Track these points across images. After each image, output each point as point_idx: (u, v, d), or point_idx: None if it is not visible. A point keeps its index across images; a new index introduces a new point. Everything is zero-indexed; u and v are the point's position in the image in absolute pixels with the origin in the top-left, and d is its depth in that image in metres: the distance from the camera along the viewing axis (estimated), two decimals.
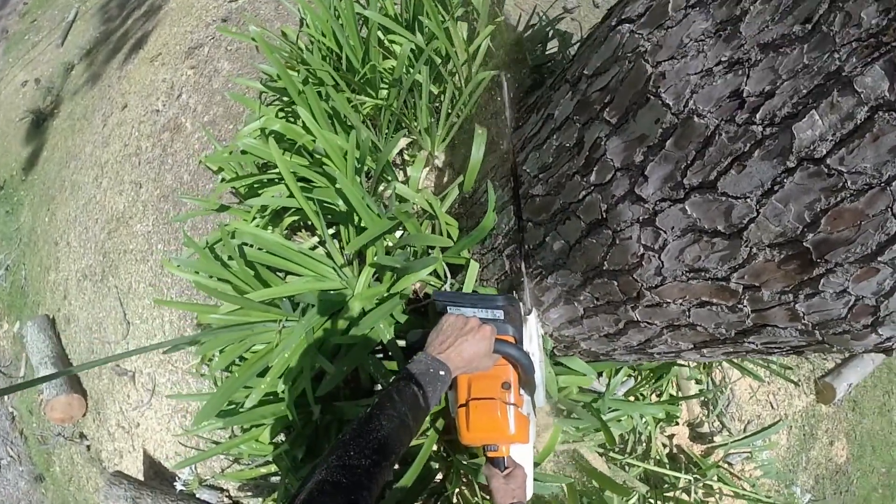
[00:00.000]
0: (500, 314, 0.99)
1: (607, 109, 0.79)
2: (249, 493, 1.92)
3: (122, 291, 2.44)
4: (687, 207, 0.71)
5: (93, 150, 3.09)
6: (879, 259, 0.60)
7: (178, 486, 1.91)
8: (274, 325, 1.37)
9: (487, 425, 0.96)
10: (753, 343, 0.87)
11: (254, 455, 1.45)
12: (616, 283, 0.89)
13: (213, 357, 1.48)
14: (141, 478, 2.21)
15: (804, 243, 0.64)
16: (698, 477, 2.07)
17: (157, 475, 2.20)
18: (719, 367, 2.39)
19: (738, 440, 2.27)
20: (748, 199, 0.65)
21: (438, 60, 1.70)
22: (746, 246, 0.68)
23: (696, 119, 0.65)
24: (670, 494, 2.05)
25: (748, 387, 2.54)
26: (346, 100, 1.58)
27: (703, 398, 2.29)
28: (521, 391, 1.02)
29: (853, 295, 0.66)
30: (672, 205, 0.72)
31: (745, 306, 0.77)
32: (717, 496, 2.20)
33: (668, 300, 0.84)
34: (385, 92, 1.73)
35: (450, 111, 1.63)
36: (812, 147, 0.56)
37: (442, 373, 0.83)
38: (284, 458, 1.37)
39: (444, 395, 1.22)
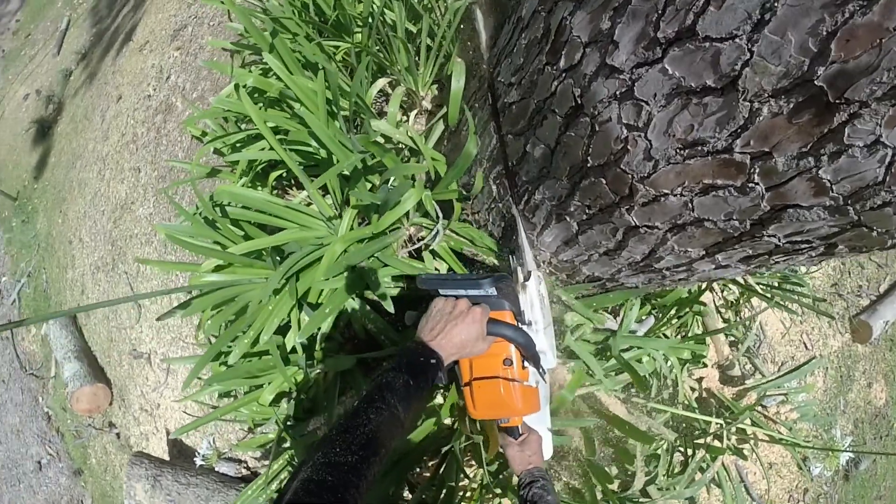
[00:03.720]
0: (492, 291, 0.93)
1: None
2: (266, 464, 1.91)
3: (132, 276, 2.45)
4: (667, 66, 0.60)
5: (94, 146, 3.11)
6: None
7: (198, 461, 1.92)
8: (262, 282, 1.32)
9: (493, 404, 0.94)
10: (775, 237, 0.76)
11: (257, 419, 1.42)
12: (604, 181, 0.80)
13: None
14: (167, 458, 2.24)
15: (815, 82, 0.52)
16: (730, 421, 1.96)
17: (180, 454, 2.23)
18: (748, 305, 2.25)
19: (772, 380, 2.13)
20: (737, 39, 0.54)
21: None
22: (745, 99, 0.58)
23: None
24: (701, 441, 1.94)
25: (780, 325, 2.39)
26: (318, 45, 1.50)
27: (730, 337, 2.16)
28: (525, 363, 0.97)
29: (890, 146, 0.54)
30: (650, 68, 0.62)
31: (758, 183, 0.66)
32: (753, 442, 2.09)
33: (665, 190, 0.74)
34: (360, 36, 1.63)
35: (430, 45, 1.53)
36: None
37: (433, 361, 0.80)
38: (285, 422, 1.33)
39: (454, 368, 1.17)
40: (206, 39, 2.53)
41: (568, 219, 0.96)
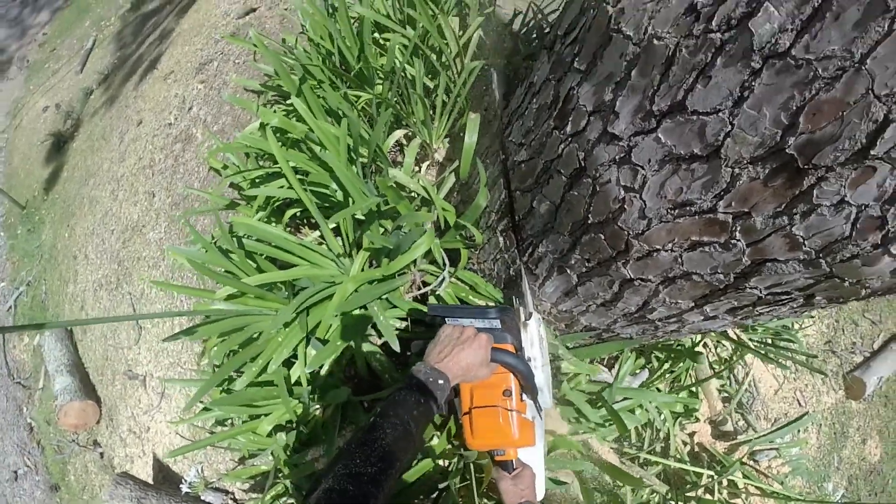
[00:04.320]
0: (497, 323, 1.01)
1: (577, 59, 0.79)
2: (255, 496, 1.89)
3: (135, 297, 2.48)
4: (660, 135, 0.69)
5: (110, 167, 3.20)
6: (872, 153, 0.54)
7: (184, 488, 1.89)
8: (272, 314, 1.37)
9: (491, 432, 0.98)
10: (756, 289, 0.82)
11: (252, 449, 1.43)
12: (603, 237, 0.87)
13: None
14: (150, 482, 2.21)
15: (787, 150, 0.60)
16: (721, 472, 1.97)
17: (165, 479, 2.19)
18: (741, 363, 2.29)
19: (763, 435, 2.15)
20: (720, 113, 0.62)
21: (433, 56, 1.72)
22: (727, 166, 0.65)
23: (655, 42, 0.64)
24: (692, 494, 1.94)
25: (773, 382, 2.43)
26: (343, 94, 1.61)
27: (723, 393, 2.19)
28: (524, 396, 1.02)
29: (854, 204, 0.60)
30: (645, 136, 0.70)
31: (739, 240, 0.73)
32: (744, 496, 2.08)
33: (657, 246, 0.81)
34: (381, 88, 1.75)
35: (445, 101, 1.64)
36: (774, 41, 0.54)
37: (441, 381, 0.85)
38: (284, 452, 1.35)
39: (452, 401, 1.22)
40: (231, 76, 2.68)
41: (568, 271, 1.02)
